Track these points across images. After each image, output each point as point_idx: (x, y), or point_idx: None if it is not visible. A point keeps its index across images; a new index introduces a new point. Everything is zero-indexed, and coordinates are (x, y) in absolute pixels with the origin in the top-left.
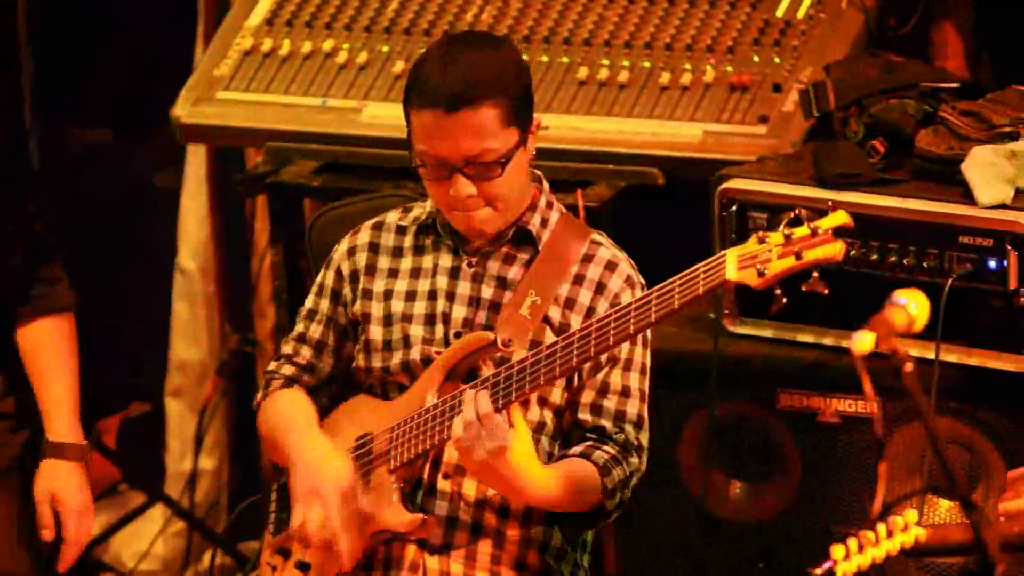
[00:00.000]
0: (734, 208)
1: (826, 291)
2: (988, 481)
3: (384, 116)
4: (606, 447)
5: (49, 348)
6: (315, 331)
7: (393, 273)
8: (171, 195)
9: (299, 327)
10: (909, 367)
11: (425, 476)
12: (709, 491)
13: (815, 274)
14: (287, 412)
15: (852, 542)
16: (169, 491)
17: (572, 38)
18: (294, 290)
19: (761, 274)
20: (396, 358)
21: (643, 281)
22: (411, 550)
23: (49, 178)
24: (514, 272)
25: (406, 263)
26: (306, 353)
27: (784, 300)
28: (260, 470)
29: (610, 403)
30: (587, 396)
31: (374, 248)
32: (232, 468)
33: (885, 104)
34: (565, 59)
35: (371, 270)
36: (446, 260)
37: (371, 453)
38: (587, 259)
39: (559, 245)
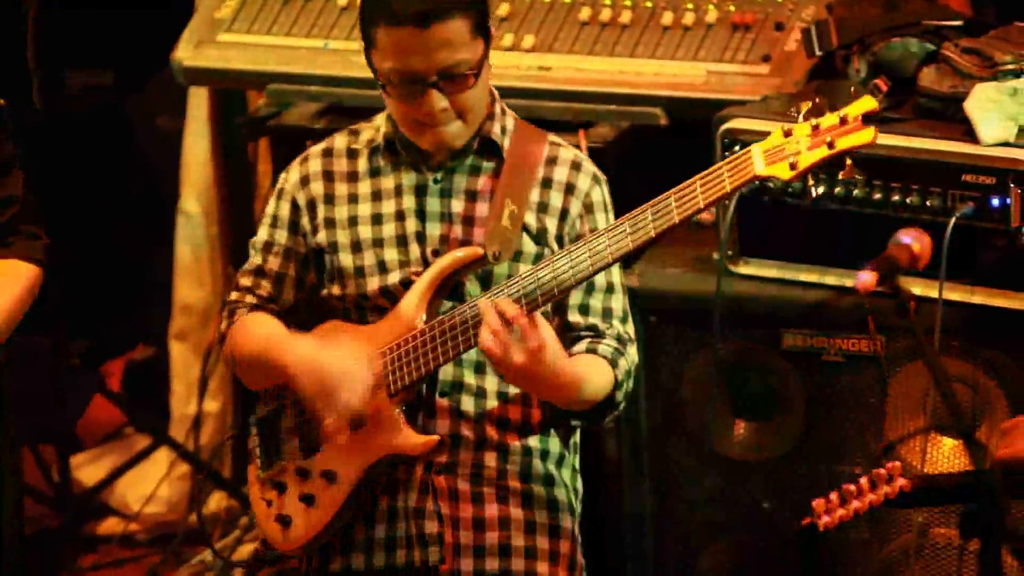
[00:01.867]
0: (737, 148)
1: (861, 177)
2: (991, 419)
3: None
4: (605, 342)
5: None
6: (273, 263)
7: (353, 199)
8: (174, 138)
9: (255, 259)
10: (913, 305)
11: (423, 396)
12: (714, 430)
13: (849, 161)
14: (264, 328)
15: (834, 496)
16: (174, 434)
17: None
18: None
19: (794, 167)
20: (373, 284)
21: (603, 175)
22: (418, 471)
23: (51, 121)
24: (482, 183)
25: (364, 187)
26: (267, 285)
27: (819, 191)
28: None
29: (596, 301)
30: (574, 298)
31: (328, 176)
32: (236, 411)
33: (888, 42)
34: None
35: (329, 199)
36: (409, 179)
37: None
38: (551, 161)
39: (522, 150)
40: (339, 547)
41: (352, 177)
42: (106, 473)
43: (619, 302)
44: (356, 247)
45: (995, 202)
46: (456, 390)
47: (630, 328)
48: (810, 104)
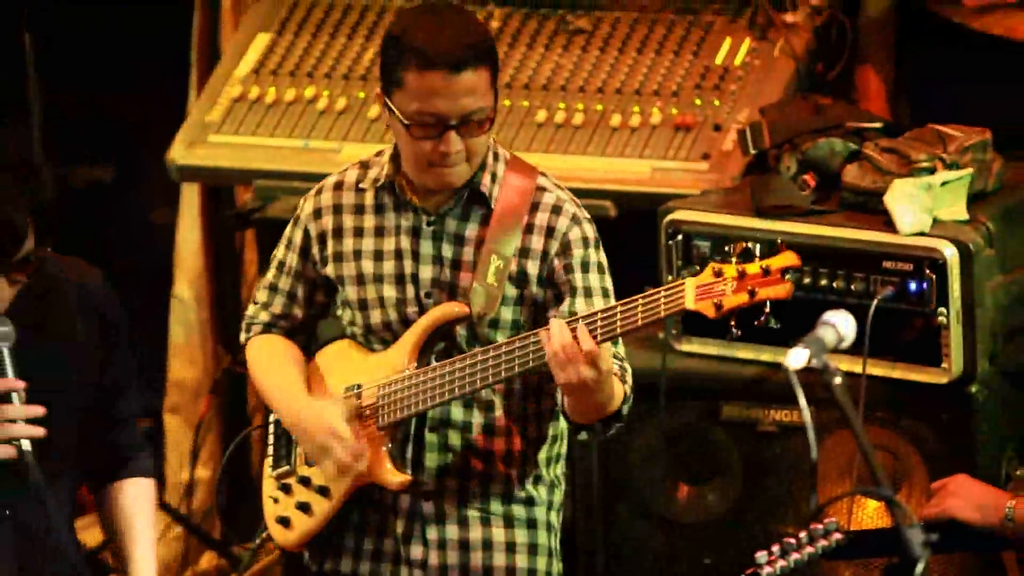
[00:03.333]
0: (680, 237)
1: (778, 326)
2: (911, 482)
3: (361, 156)
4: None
5: (143, 510)
6: (285, 283)
7: (359, 232)
8: (168, 230)
9: (270, 276)
10: (839, 380)
11: (412, 431)
12: (660, 494)
13: (766, 310)
14: (271, 368)
15: (776, 548)
16: (168, 499)
17: (531, 84)
18: None
19: (719, 308)
20: (375, 316)
21: (588, 216)
22: (406, 498)
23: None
24: (470, 229)
25: (369, 221)
26: (279, 302)
27: (739, 332)
28: (250, 478)
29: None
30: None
31: (338, 209)
32: (225, 478)
33: (815, 142)
34: (525, 103)
35: (338, 232)
36: (407, 220)
37: (361, 405)
38: (535, 207)
39: (510, 199)
40: (331, 550)
41: (359, 210)
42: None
43: None
44: (360, 280)
45: (913, 286)
46: (444, 425)
47: (621, 349)
48: (743, 246)
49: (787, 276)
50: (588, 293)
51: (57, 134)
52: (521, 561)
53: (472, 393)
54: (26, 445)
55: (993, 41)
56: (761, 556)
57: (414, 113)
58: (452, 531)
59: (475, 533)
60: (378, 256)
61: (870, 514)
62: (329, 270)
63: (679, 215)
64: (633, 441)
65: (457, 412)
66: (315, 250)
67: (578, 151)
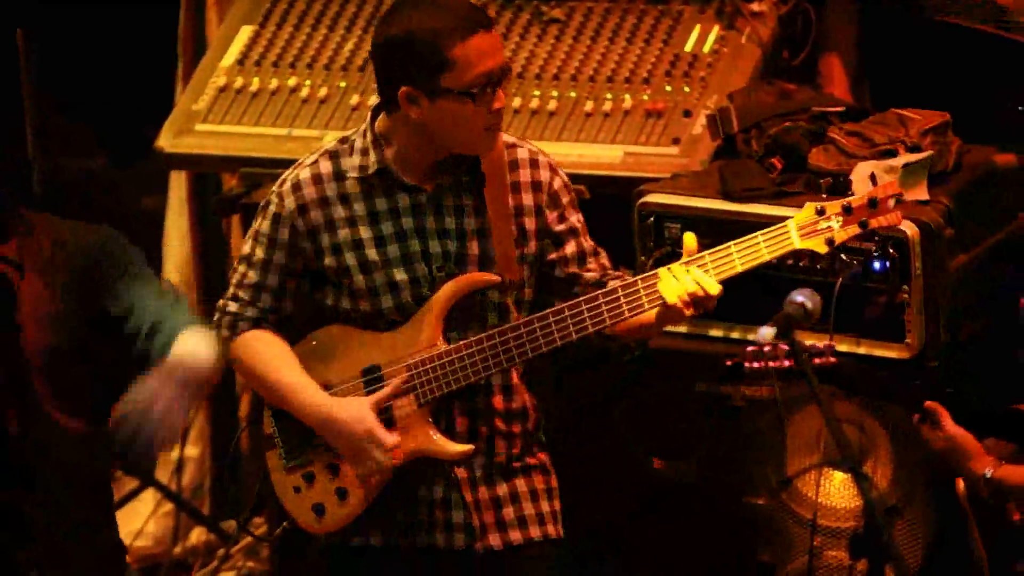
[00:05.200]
0: (651, 219)
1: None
2: (876, 454)
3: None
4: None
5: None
6: (273, 280)
7: (351, 221)
8: (157, 216)
9: (252, 275)
10: (806, 356)
11: (443, 400)
12: (637, 465)
13: (877, 239)
14: (276, 367)
15: (767, 349)
16: (159, 477)
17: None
18: None
19: (830, 243)
20: (388, 302)
21: (555, 161)
22: (439, 467)
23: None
24: (466, 197)
25: (359, 207)
26: (267, 299)
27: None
28: (238, 456)
29: (594, 262)
30: (570, 251)
31: (324, 202)
32: (214, 456)
33: (781, 126)
34: None
35: (330, 225)
36: (403, 199)
37: (395, 386)
38: (513, 164)
39: (489, 160)
40: (360, 525)
41: (345, 199)
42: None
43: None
44: (365, 268)
45: (876, 265)
46: (469, 391)
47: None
48: (830, 182)
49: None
50: (584, 231)
51: (49, 126)
52: (545, 506)
53: (514, 365)
54: None
55: (947, 27)
56: (748, 352)
57: (473, 81)
58: (483, 491)
59: (502, 489)
60: (380, 242)
61: (837, 485)
62: (330, 262)
63: (651, 198)
64: (608, 415)
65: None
66: (306, 245)
67: (552, 137)
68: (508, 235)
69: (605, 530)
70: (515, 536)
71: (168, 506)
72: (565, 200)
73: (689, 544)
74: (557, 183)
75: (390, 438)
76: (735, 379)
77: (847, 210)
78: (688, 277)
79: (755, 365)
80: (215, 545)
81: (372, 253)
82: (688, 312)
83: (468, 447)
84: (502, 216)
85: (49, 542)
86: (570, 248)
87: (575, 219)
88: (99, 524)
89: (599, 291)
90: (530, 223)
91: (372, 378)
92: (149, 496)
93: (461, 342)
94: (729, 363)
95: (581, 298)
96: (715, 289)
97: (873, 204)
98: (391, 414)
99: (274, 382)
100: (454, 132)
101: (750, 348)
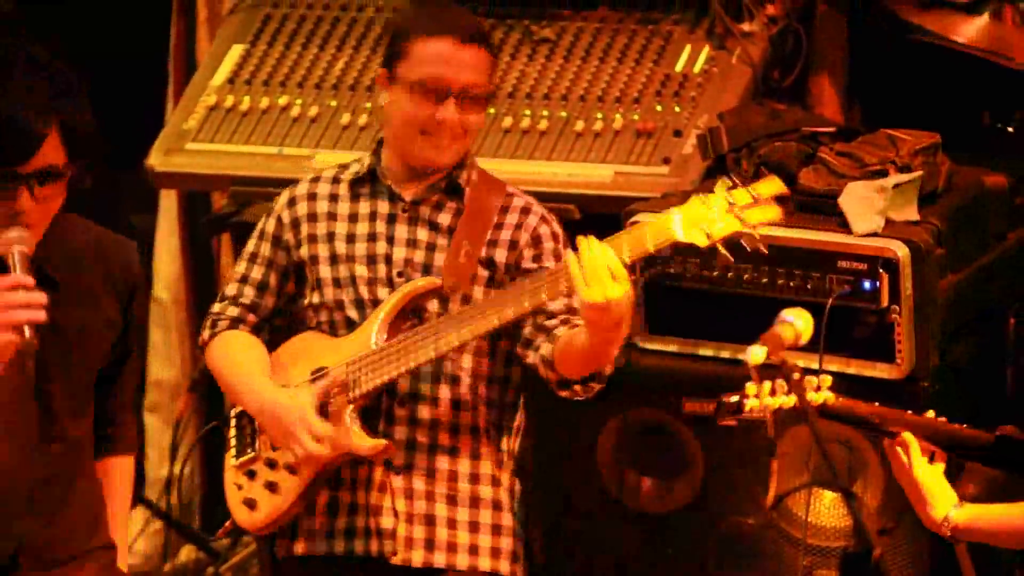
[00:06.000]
0: None
1: (766, 252)
2: (866, 474)
3: (333, 162)
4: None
5: (120, 489)
6: (257, 272)
7: (332, 216)
8: (147, 234)
9: (240, 269)
10: (797, 376)
11: (383, 406)
12: (624, 488)
13: (758, 236)
14: (237, 361)
15: (767, 385)
16: (149, 495)
17: (498, 91)
18: None
19: (709, 236)
20: (347, 294)
21: (556, 219)
22: (378, 472)
23: None
24: (443, 218)
25: (343, 207)
26: (249, 293)
27: (731, 258)
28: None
29: (560, 305)
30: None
31: (312, 196)
32: (204, 473)
33: (771, 146)
34: (491, 110)
35: (312, 217)
36: (383, 207)
37: (331, 383)
38: (504, 209)
39: (481, 200)
40: (303, 534)
41: (333, 198)
42: None
43: None
44: (333, 260)
45: (867, 285)
46: (413, 400)
47: None
48: (722, 179)
49: (775, 201)
50: None
51: None
52: (485, 540)
53: (442, 355)
54: (28, 332)
55: (935, 48)
56: (750, 387)
57: (419, 78)
58: (420, 506)
59: (441, 510)
60: (351, 239)
61: (827, 505)
62: (304, 251)
63: (641, 218)
64: (597, 436)
65: (425, 386)
66: (288, 235)
67: (543, 156)
68: (471, 255)
69: (592, 555)
70: (439, 560)
71: (158, 524)
72: (546, 246)
73: (678, 565)
74: (543, 229)
75: (321, 426)
76: (728, 416)
77: (729, 204)
78: (591, 253)
79: (729, 422)
80: (205, 563)
81: (340, 246)
82: (604, 317)
83: (378, 442)
84: (473, 240)
85: None
86: None
87: (550, 267)
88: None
89: (523, 278)
90: (501, 256)
91: (317, 376)
92: (139, 514)
93: (393, 338)
94: (729, 399)
95: (508, 286)
96: (616, 264)
97: (756, 200)
98: (327, 409)
99: (228, 376)
100: (396, 129)
101: (728, 399)
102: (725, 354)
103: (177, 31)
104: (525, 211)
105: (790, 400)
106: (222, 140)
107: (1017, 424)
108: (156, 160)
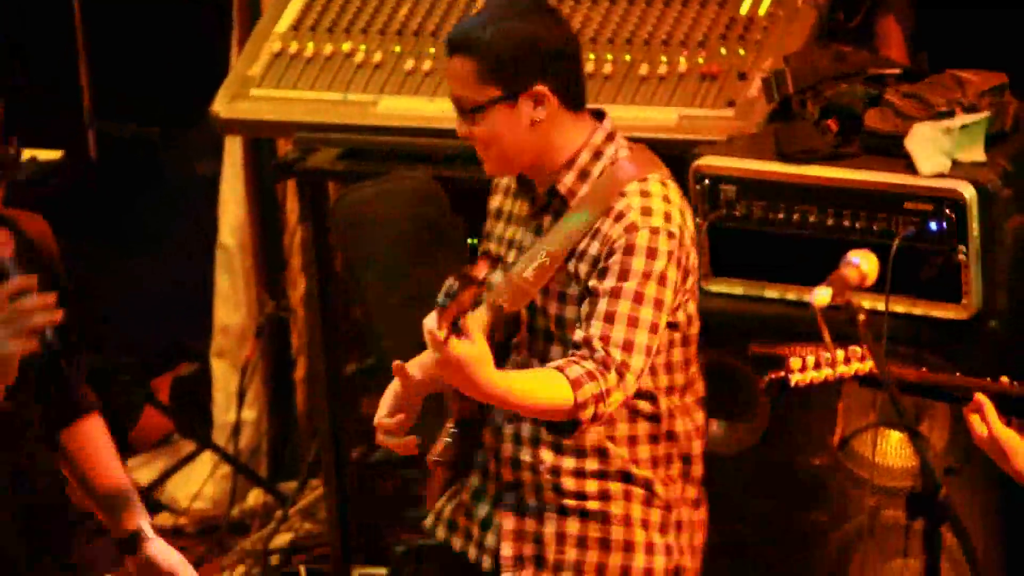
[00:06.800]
0: (707, 182)
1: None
2: (932, 415)
3: (397, 108)
4: (585, 363)
5: (102, 445)
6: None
7: (498, 213)
8: (212, 181)
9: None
10: (862, 317)
11: (487, 420)
12: None
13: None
14: None
15: (810, 358)
16: (216, 439)
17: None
18: (321, 262)
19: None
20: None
21: (654, 225)
22: (491, 487)
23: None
24: (546, 219)
25: (507, 204)
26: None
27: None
28: (294, 419)
29: (595, 328)
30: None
31: (495, 188)
32: (270, 418)
33: (837, 88)
34: None
35: (487, 212)
36: (523, 209)
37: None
38: (606, 212)
39: (596, 196)
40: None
41: (506, 191)
42: (158, 474)
43: (620, 332)
44: (492, 264)
45: (933, 226)
46: (518, 416)
47: (632, 359)
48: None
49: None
50: (616, 294)
51: (104, 91)
52: (592, 556)
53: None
54: (49, 334)
55: None
56: (794, 362)
57: None
58: (530, 523)
59: (549, 527)
60: (488, 238)
61: (893, 445)
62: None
63: (706, 161)
64: None
65: (527, 454)
66: (488, 225)
67: (607, 100)
68: (541, 270)
69: None
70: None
71: (225, 468)
72: (614, 259)
73: (743, 507)
74: (621, 241)
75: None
76: (778, 393)
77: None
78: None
79: (804, 379)
80: (272, 507)
81: (489, 243)
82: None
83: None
84: (551, 254)
85: None
86: (584, 307)
87: (609, 281)
88: None
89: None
90: (583, 270)
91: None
92: (206, 459)
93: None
94: (776, 375)
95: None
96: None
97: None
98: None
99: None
100: None
101: (791, 359)
102: (791, 296)
103: None
104: (619, 217)
105: (851, 368)
106: (287, 86)
107: None
108: (221, 107)
